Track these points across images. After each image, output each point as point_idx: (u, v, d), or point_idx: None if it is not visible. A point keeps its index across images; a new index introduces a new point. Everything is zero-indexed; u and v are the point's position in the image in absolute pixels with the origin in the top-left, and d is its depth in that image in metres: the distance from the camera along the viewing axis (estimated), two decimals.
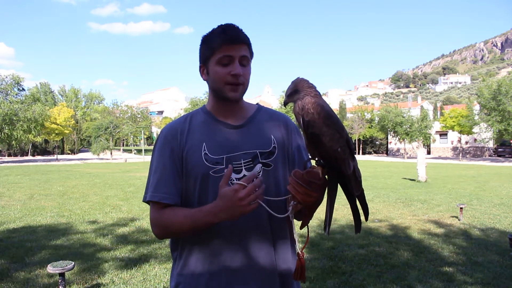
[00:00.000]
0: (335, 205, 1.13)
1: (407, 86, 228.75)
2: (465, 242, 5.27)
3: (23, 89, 33.70)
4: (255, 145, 1.22)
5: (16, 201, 9.01)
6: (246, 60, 1.18)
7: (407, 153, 40.87)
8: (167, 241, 1.16)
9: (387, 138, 47.98)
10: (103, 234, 5.70)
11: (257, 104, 1.36)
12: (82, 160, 35.11)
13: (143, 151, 43.18)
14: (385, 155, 48.57)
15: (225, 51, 1.16)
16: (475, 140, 38.04)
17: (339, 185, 1.10)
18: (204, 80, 1.25)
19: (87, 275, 3.94)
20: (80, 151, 58.90)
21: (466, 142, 41.26)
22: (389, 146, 48.52)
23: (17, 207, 8.15)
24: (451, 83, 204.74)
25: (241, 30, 1.20)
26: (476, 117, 31.48)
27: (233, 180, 1.17)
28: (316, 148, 1.06)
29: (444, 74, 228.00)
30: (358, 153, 46.84)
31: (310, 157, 1.16)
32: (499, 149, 39.29)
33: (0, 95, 30.71)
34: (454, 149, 43.08)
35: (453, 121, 34.61)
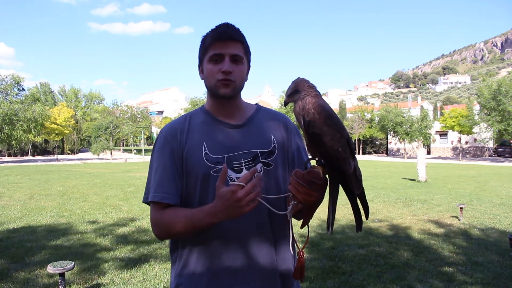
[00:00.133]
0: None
1: (407, 86, 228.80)
2: (465, 242, 5.27)
3: (23, 89, 33.71)
4: (256, 144, 1.22)
5: (16, 201, 9.01)
6: (238, 57, 1.18)
7: (407, 153, 40.87)
8: (167, 241, 1.17)
9: (387, 138, 47.97)
10: (103, 234, 5.70)
11: (256, 104, 1.37)
12: (82, 160, 35.11)
13: (143, 151, 43.18)
14: (385, 155, 48.57)
15: (215, 48, 1.17)
16: (475, 140, 38.04)
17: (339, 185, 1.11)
18: (202, 79, 1.25)
19: (87, 275, 3.94)
20: (80, 151, 58.89)
21: (466, 142, 41.25)
22: (389, 146, 48.51)
23: (17, 207, 8.15)
24: (451, 83, 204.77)
25: (233, 27, 1.20)
26: (476, 117, 31.48)
27: (234, 180, 1.17)
28: (317, 148, 1.06)
29: (444, 74, 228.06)
30: (358, 153, 46.82)
31: (310, 157, 1.17)
32: (499, 149, 39.29)
33: (0, 95, 30.71)
34: (454, 149, 43.08)
35: (453, 121, 34.61)
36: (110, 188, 11.69)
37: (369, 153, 52.05)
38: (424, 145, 38.04)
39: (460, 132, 35.24)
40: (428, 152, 42.67)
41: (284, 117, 1.35)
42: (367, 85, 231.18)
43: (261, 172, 1.20)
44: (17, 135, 29.03)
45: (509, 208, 7.95)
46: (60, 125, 37.57)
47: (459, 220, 6.68)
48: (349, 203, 1.11)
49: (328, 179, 1.09)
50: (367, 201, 1.12)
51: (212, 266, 1.16)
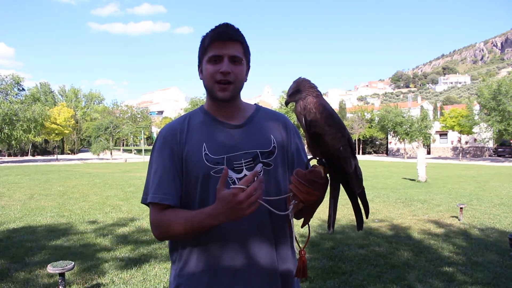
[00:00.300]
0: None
1: (407, 86, 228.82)
2: (465, 242, 5.27)
3: (23, 89, 33.74)
4: (256, 145, 1.22)
5: (16, 201, 9.01)
6: (237, 58, 1.18)
7: (407, 153, 40.87)
8: (167, 241, 1.17)
9: (387, 138, 47.98)
10: (103, 234, 5.70)
11: (255, 104, 1.37)
12: (82, 160, 35.11)
13: (143, 151, 43.18)
14: (385, 155, 48.57)
15: (214, 48, 1.17)
16: (475, 140, 38.04)
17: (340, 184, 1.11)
18: (201, 79, 1.25)
19: (87, 275, 3.94)
20: (80, 151, 58.90)
21: (466, 142, 41.26)
22: (389, 146, 48.51)
23: (17, 207, 8.15)
24: (451, 83, 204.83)
25: (233, 27, 1.20)
26: (476, 117, 31.48)
27: (234, 180, 1.17)
28: (318, 147, 1.07)
29: (444, 74, 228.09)
30: (358, 153, 46.81)
31: (310, 157, 1.17)
32: (499, 149, 39.30)
33: (0, 95, 30.72)
34: (454, 149, 43.08)
35: (453, 121, 34.61)
36: (110, 188, 11.69)
37: (369, 153, 52.06)
38: (424, 145, 38.04)
39: (460, 132, 35.25)
40: (428, 152, 42.67)
41: (283, 117, 1.35)
42: (367, 85, 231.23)
43: (261, 172, 1.20)
44: (17, 135, 29.04)
45: (509, 208, 7.95)
46: (60, 125, 37.58)
47: (459, 220, 6.68)
48: (350, 202, 1.11)
49: (329, 178, 1.10)
50: (367, 201, 1.12)
51: (212, 266, 1.16)
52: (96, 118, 54.23)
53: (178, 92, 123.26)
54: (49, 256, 4.56)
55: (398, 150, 46.60)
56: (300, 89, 1.08)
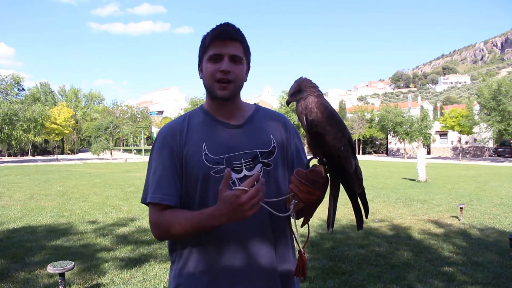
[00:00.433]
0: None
1: (407, 86, 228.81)
2: (465, 242, 5.27)
3: (23, 89, 33.77)
4: (255, 145, 1.22)
5: (16, 201, 9.01)
6: (237, 57, 1.18)
7: (407, 153, 40.87)
8: (167, 241, 1.17)
9: (387, 138, 47.97)
10: (103, 234, 5.70)
11: (255, 104, 1.37)
12: (82, 160, 35.11)
13: (143, 151, 43.18)
14: (385, 155, 48.56)
15: (215, 47, 1.17)
16: (475, 140, 38.03)
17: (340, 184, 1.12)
18: (201, 78, 1.25)
19: (87, 275, 3.94)
20: (80, 151, 58.89)
21: (466, 142, 41.25)
22: (389, 146, 48.51)
23: (17, 207, 8.15)
24: (451, 83, 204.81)
25: (234, 26, 1.20)
26: (476, 117, 31.48)
27: (234, 180, 1.17)
28: (319, 147, 1.07)
29: (444, 74, 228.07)
30: (358, 153, 46.80)
31: (311, 157, 1.17)
32: (499, 149, 39.29)
33: (0, 95, 30.72)
34: (454, 149, 43.08)
35: (453, 121, 34.61)
36: (110, 188, 11.69)
37: (369, 153, 52.06)
38: (424, 145, 38.04)
39: (460, 132, 35.25)
40: (428, 152, 42.67)
41: (283, 117, 1.35)
42: (367, 85, 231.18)
43: (261, 172, 1.20)
44: (17, 135, 29.04)
45: (509, 208, 7.95)
46: (60, 125, 37.56)
47: (459, 220, 6.68)
48: (350, 202, 1.12)
49: (329, 178, 1.10)
50: (367, 201, 1.13)
51: (212, 266, 1.16)
52: (96, 118, 54.22)
53: (178, 92, 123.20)
54: (49, 256, 4.56)
55: (398, 150, 46.60)
56: (301, 89, 1.09)
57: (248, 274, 1.15)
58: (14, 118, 28.68)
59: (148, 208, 1.21)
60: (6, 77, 31.10)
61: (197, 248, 1.18)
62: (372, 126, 47.46)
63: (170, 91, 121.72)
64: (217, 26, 1.19)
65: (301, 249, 1.12)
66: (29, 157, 43.98)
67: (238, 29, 1.21)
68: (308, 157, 1.22)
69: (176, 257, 1.23)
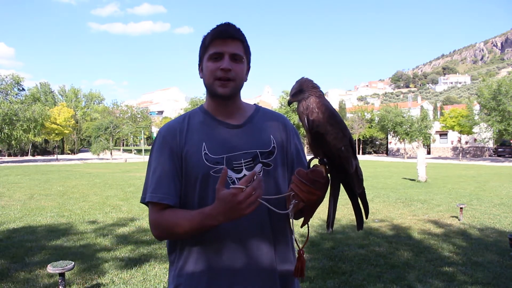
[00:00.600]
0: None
1: (407, 86, 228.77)
2: (465, 242, 5.27)
3: (23, 89, 33.78)
4: (255, 145, 1.22)
5: (16, 201, 9.01)
6: (238, 56, 1.18)
7: (407, 153, 40.87)
8: (166, 242, 1.18)
9: (387, 138, 47.97)
10: (103, 234, 5.70)
11: (254, 104, 1.37)
12: (82, 160, 35.11)
13: (143, 151, 43.18)
14: (385, 155, 48.56)
15: (215, 46, 1.17)
16: (475, 140, 38.04)
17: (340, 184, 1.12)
18: (201, 77, 1.25)
19: (87, 275, 3.94)
20: (80, 151, 58.88)
21: (466, 142, 41.25)
22: (389, 146, 48.51)
23: (17, 207, 8.15)
24: (451, 83, 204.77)
25: (234, 26, 1.20)
26: (476, 117, 31.48)
27: (234, 180, 1.17)
28: (320, 147, 1.08)
29: (444, 74, 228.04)
30: (358, 153, 46.79)
31: (311, 157, 1.17)
32: (499, 149, 39.29)
33: (0, 95, 30.72)
34: (454, 149, 43.08)
35: (453, 121, 34.61)
36: (110, 188, 11.69)
37: (369, 153, 52.06)
38: (424, 145, 38.03)
39: (460, 132, 35.25)
40: (428, 152, 42.67)
41: (283, 117, 1.35)
42: (367, 85, 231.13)
43: (261, 172, 1.20)
44: (17, 135, 29.04)
45: (509, 208, 7.95)
46: (60, 125, 37.55)
47: (459, 220, 6.68)
48: (350, 202, 1.12)
49: (329, 178, 1.10)
50: (367, 201, 1.13)
51: (211, 266, 1.16)
52: (96, 118, 54.20)
53: (178, 92, 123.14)
54: (49, 256, 4.56)
55: (398, 150, 46.60)
56: (303, 89, 1.09)
57: (248, 274, 1.15)
58: (14, 118, 28.68)
59: (148, 208, 1.21)
60: (6, 77, 31.13)
61: (197, 248, 1.17)
62: (372, 126, 47.45)
63: (170, 91, 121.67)
64: (217, 25, 1.20)
65: (300, 249, 1.12)
66: (29, 157, 43.98)
67: (239, 28, 1.21)
68: (309, 157, 1.23)
69: (175, 258, 1.23)
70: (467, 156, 40.78)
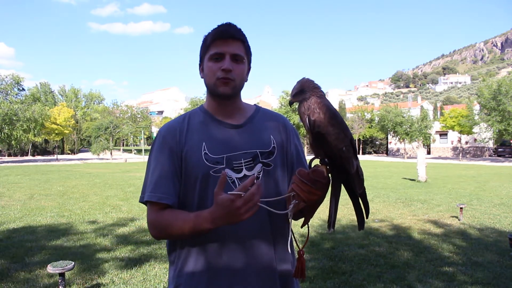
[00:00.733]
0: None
1: (407, 86, 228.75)
2: (465, 242, 5.27)
3: (23, 89, 33.77)
4: (255, 145, 1.22)
5: (16, 201, 9.01)
6: (239, 57, 1.18)
7: (407, 153, 40.87)
8: (166, 242, 1.18)
9: (387, 138, 47.98)
10: (103, 234, 5.70)
11: (255, 105, 1.37)
12: (82, 160, 35.12)
13: (143, 151, 43.18)
14: (385, 155, 48.56)
15: (216, 46, 1.17)
16: (475, 140, 38.05)
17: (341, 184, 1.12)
18: (202, 78, 1.25)
19: (87, 275, 3.94)
20: (80, 151, 58.88)
21: (466, 142, 41.26)
22: (389, 146, 48.52)
23: (17, 207, 8.15)
24: (451, 83, 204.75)
25: (236, 26, 1.20)
26: (476, 117, 31.49)
27: (234, 180, 1.17)
28: (321, 147, 1.08)
29: (444, 74, 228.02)
30: (358, 153, 46.71)
31: (312, 157, 1.17)
32: (499, 149, 39.30)
33: (0, 95, 30.72)
34: (454, 149, 43.08)
35: (453, 121, 34.62)
36: (110, 188, 11.69)
37: (369, 153, 52.06)
38: (424, 145, 38.05)
39: (460, 132, 35.25)
40: (428, 152, 42.67)
41: (283, 118, 1.36)
42: (367, 85, 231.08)
43: (261, 172, 1.20)
44: (17, 135, 29.04)
45: (509, 208, 7.95)
46: (60, 125, 37.55)
47: (459, 220, 6.68)
48: (350, 202, 1.12)
49: (331, 178, 1.10)
50: (368, 201, 1.13)
51: (211, 266, 1.15)
52: (96, 118, 54.19)
53: (178, 92, 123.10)
54: (49, 256, 4.56)
55: (398, 150, 46.60)
56: (304, 90, 1.09)
57: (248, 274, 1.15)
58: (14, 118, 28.68)
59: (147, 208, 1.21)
60: (6, 77, 31.14)
61: (196, 248, 1.17)
62: (372, 126, 47.47)
63: (170, 91, 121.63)
64: (219, 25, 1.20)
65: (301, 250, 1.12)
66: (29, 157, 43.98)
67: (240, 29, 1.21)
68: (309, 157, 1.23)
69: (175, 258, 1.23)
70: (467, 156, 40.78)
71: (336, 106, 59.68)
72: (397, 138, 39.23)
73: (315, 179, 1.05)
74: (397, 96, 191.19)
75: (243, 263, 1.15)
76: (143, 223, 6.42)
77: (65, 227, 6.19)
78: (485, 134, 31.43)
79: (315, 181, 1.05)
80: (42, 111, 30.92)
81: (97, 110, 60.49)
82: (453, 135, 42.00)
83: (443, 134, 43.94)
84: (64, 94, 64.66)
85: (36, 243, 5.18)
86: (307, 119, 1.07)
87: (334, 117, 1.06)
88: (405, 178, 14.67)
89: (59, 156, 41.85)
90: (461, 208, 6.71)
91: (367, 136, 48.75)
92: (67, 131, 39.90)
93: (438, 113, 58.39)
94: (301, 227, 1.19)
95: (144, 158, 37.47)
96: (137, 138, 56.28)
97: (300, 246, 1.12)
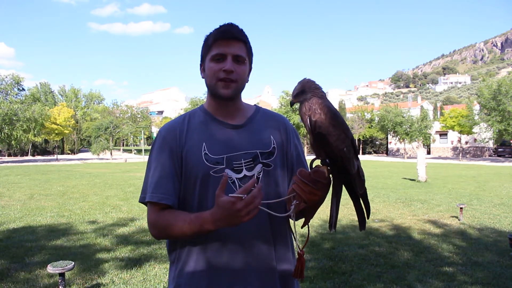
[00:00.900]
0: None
1: (407, 86, 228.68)
2: (465, 242, 5.27)
3: (23, 89, 33.76)
4: (255, 145, 1.22)
5: (16, 201, 9.01)
6: (240, 57, 1.18)
7: (407, 153, 40.87)
8: (166, 241, 1.18)
9: (387, 138, 47.98)
10: (103, 234, 5.70)
11: (255, 105, 1.37)
12: (82, 160, 35.11)
13: (143, 151, 43.17)
14: (385, 155, 48.57)
15: (218, 46, 1.17)
16: (475, 140, 38.05)
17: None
18: (203, 78, 1.25)
19: (87, 275, 3.94)
20: (80, 151, 58.88)
21: (466, 142, 41.26)
22: (389, 146, 48.52)
23: (17, 207, 8.15)
24: (451, 83, 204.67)
25: (237, 27, 1.20)
26: (476, 117, 31.51)
27: (234, 180, 1.17)
28: (322, 147, 1.08)
29: (444, 74, 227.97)
30: (358, 153, 46.71)
31: (313, 158, 1.18)
32: (499, 149, 39.32)
33: (0, 95, 30.72)
34: (454, 149, 43.08)
35: (453, 121, 34.62)
36: (110, 188, 11.69)
37: (369, 153, 52.06)
38: (424, 145, 38.03)
39: (460, 132, 35.26)
40: (428, 152, 42.67)
41: (283, 118, 1.36)
42: (367, 85, 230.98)
43: (261, 173, 1.20)
44: (17, 135, 29.02)
45: (509, 208, 7.95)
46: (60, 125, 37.53)
47: (459, 220, 6.68)
48: (350, 202, 1.12)
49: (332, 178, 1.10)
50: (369, 201, 1.13)
51: (212, 266, 1.16)
52: (96, 118, 54.15)
53: (178, 92, 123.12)
54: (49, 256, 4.56)
55: (398, 150, 46.60)
56: (305, 90, 1.09)
57: (248, 274, 1.15)
58: (14, 118, 28.67)
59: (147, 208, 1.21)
60: (6, 77, 31.14)
61: (197, 248, 1.17)
62: (372, 126, 47.46)
63: (170, 91, 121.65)
64: (220, 26, 1.20)
65: (301, 250, 1.12)
66: (29, 157, 43.97)
67: (242, 29, 1.21)
68: (310, 158, 1.23)
69: (175, 257, 1.23)
70: (467, 156, 40.78)
71: (336, 106, 59.60)
72: (397, 138, 39.25)
73: (316, 179, 1.05)
74: (397, 96, 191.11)
75: (243, 263, 1.15)
76: (143, 223, 6.42)
77: (65, 227, 6.19)
78: (485, 134, 31.44)
79: (316, 182, 1.05)
80: (42, 111, 30.91)
81: (97, 110, 60.44)
82: (453, 135, 42.01)
83: (443, 134, 43.95)
84: (64, 94, 64.62)
85: (36, 243, 5.18)
86: (308, 119, 1.07)
87: (335, 117, 1.06)
88: (405, 178, 14.68)
89: (59, 156, 41.84)
90: (461, 208, 6.71)
91: (367, 136, 48.75)
92: (67, 131, 39.88)
93: (438, 113, 58.39)
94: (301, 227, 1.19)
95: (144, 158, 37.48)
96: (137, 138, 56.31)
97: (300, 246, 1.12)
